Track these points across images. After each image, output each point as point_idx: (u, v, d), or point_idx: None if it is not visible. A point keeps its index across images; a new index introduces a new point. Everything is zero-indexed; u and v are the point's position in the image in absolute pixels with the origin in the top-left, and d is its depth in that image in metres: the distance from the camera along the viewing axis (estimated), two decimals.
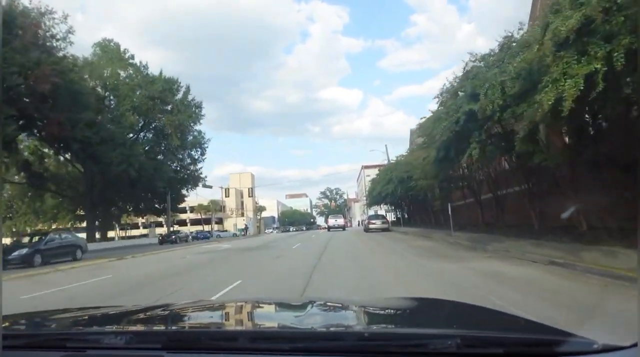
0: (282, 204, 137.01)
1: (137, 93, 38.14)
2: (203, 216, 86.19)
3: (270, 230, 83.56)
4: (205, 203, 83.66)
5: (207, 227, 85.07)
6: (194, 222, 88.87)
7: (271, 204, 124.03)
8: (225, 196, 78.31)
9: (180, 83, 41.76)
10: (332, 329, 1.55)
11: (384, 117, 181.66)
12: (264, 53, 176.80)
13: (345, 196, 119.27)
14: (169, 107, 40.23)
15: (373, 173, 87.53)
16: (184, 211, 69.61)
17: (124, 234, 65.90)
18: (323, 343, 1.32)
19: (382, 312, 1.98)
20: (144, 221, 64.11)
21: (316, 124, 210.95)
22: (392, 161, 34.29)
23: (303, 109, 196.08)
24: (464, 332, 1.31)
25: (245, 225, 75.60)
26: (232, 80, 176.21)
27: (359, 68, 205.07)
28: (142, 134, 42.18)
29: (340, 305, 2.17)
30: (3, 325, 1.40)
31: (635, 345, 1.08)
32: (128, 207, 44.74)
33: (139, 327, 1.72)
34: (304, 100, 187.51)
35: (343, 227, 40.69)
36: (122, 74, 38.88)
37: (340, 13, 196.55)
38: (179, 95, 41.54)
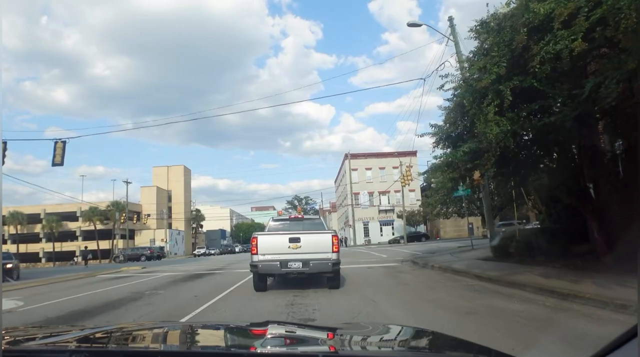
0: (237, 214, 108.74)
1: None
2: (99, 227, 56.71)
3: (203, 249, 55.30)
4: (104, 206, 54.73)
5: (104, 244, 55.93)
6: (88, 235, 58.86)
7: (223, 213, 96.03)
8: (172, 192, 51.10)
9: None
10: (287, 351, 1.59)
11: (355, 134, 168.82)
12: (234, 65, 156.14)
13: (317, 207, 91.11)
14: None
15: (362, 165, 60.61)
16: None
17: None
18: None
19: (339, 336, 1.91)
20: None
21: (287, 138, 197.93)
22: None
23: (274, 123, 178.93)
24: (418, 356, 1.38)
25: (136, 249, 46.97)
26: (201, 92, 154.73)
27: (331, 84, 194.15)
28: None
29: (298, 328, 2.25)
30: None
31: None
32: None
33: (94, 347, 1.67)
34: (275, 115, 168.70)
35: (331, 272, 8.77)
36: None
37: (313, 28, 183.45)
38: None
